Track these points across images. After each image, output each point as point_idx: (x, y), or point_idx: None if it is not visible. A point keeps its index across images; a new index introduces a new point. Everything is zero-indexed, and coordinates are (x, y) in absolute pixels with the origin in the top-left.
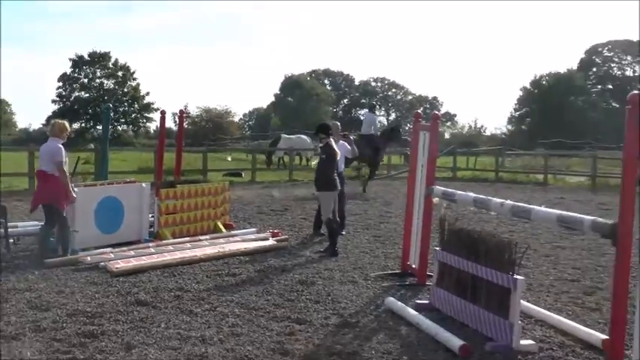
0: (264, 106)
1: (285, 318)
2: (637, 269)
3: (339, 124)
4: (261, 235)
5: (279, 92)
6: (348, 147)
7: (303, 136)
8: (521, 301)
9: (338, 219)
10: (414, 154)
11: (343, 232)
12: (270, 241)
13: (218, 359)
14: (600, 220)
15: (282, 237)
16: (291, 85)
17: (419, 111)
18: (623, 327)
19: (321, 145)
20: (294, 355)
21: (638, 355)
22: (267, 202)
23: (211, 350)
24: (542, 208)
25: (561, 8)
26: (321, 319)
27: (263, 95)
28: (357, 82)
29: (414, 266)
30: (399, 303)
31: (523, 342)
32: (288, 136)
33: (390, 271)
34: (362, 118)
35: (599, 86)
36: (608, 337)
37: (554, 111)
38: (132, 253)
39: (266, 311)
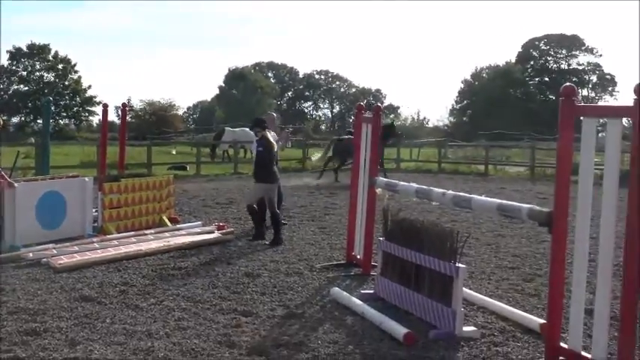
0: (209, 99)
1: (231, 310)
2: (572, 256)
3: (275, 115)
4: (207, 229)
5: (223, 85)
6: (279, 142)
7: (247, 129)
8: (464, 288)
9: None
10: (358, 146)
11: (286, 223)
12: (216, 234)
13: (164, 353)
14: (537, 208)
15: (228, 230)
16: (236, 78)
17: (362, 103)
18: (559, 312)
19: (257, 138)
20: (241, 347)
21: (574, 337)
22: (212, 195)
23: (157, 344)
24: (483, 198)
25: (500, 2)
26: (268, 310)
27: (207, 88)
28: (300, 75)
29: (358, 257)
30: (345, 293)
31: (465, 328)
32: (232, 130)
33: (335, 262)
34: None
35: (537, 79)
36: (545, 322)
37: (494, 103)
38: (75, 248)
39: (212, 304)
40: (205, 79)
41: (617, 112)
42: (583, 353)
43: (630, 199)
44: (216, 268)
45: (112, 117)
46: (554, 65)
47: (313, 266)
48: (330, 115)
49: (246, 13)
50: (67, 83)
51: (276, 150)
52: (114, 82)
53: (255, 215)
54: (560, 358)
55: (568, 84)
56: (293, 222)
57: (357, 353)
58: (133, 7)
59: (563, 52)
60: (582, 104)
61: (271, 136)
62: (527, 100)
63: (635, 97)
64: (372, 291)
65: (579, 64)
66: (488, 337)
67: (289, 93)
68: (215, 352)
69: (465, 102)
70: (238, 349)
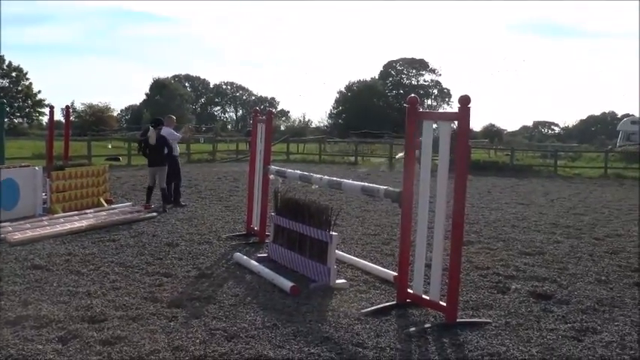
0: (138, 103)
1: (155, 273)
2: (417, 224)
3: (174, 117)
4: (136, 208)
5: (149, 92)
6: (177, 134)
7: (167, 128)
8: (337, 251)
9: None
10: (254, 142)
11: (185, 204)
12: (143, 213)
13: (101, 309)
14: (391, 189)
15: (152, 209)
16: (159, 87)
17: (257, 108)
18: (407, 266)
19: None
20: (163, 302)
21: (417, 284)
22: (140, 182)
23: (96, 302)
24: (350, 181)
25: (367, 32)
26: (184, 272)
27: (137, 94)
28: (211, 85)
29: (255, 228)
30: (245, 257)
31: (338, 281)
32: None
33: (237, 233)
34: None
35: (394, 91)
36: (397, 274)
37: (363, 109)
38: (28, 225)
39: (140, 268)
40: (135, 87)
41: (448, 117)
42: (423, 296)
43: (456, 182)
44: (143, 239)
45: (58, 117)
46: (407, 81)
47: (220, 236)
48: (235, 118)
49: (166, 34)
50: (19, 88)
51: (152, 142)
52: (61, 88)
53: (149, 190)
54: (408, 300)
55: (412, 95)
56: (204, 202)
57: (254, 303)
58: (74, 27)
59: (414, 71)
60: (423, 111)
61: (166, 132)
62: (387, 108)
63: (459, 105)
64: (266, 254)
65: (425, 81)
66: (355, 286)
67: (202, 99)
68: (142, 306)
69: (341, 108)
70: (160, 303)
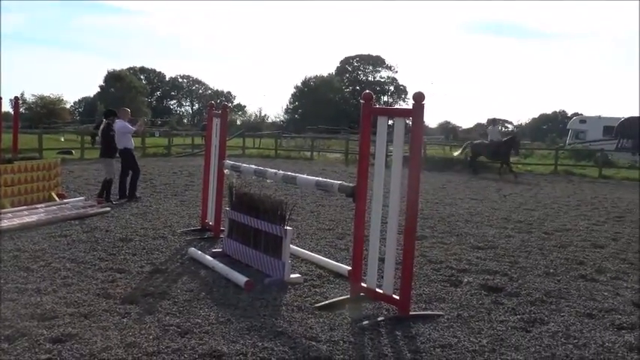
0: (92, 95)
1: (108, 269)
2: (370, 219)
3: (128, 110)
4: (89, 203)
5: (103, 84)
6: (131, 127)
7: (121, 121)
8: (291, 245)
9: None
10: (209, 136)
11: (139, 197)
12: (96, 208)
13: (51, 305)
14: (345, 183)
15: (106, 204)
16: (113, 79)
17: (212, 102)
18: (360, 260)
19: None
20: (116, 298)
21: (371, 278)
22: (93, 175)
23: (46, 299)
24: (305, 176)
25: (324, 27)
26: (138, 267)
27: (90, 86)
28: (167, 78)
29: (210, 223)
30: (199, 252)
31: (292, 276)
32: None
33: (192, 228)
34: (488, 131)
35: (351, 87)
36: (351, 268)
37: (319, 105)
38: None
39: (92, 264)
40: (89, 79)
41: (402, 113)
42: (377, 289)
43: (410, 177)
44: (96, 234)
45: (7, 108)
46: (363, 77)
47: (175, 231)
48: (191, 111)
49: (121, 25)
50: None
51: (99, 136)
52: (9, 79)
53: (105, 183)
54: (361, 294)
55: (367, 91)
56: (159, 196)
57: (209, 298)
58: (23, 15)
59: (370, 67)
60: (378, 107)
61: (120, 124)
62: (344, 103)
63: (414, 102)
64: (220, 249)
65: (381, 77)
66: (309, 281)
67: (158, 92)
68: (94, 303)
69: (297, 103)
70: (113, 299)
